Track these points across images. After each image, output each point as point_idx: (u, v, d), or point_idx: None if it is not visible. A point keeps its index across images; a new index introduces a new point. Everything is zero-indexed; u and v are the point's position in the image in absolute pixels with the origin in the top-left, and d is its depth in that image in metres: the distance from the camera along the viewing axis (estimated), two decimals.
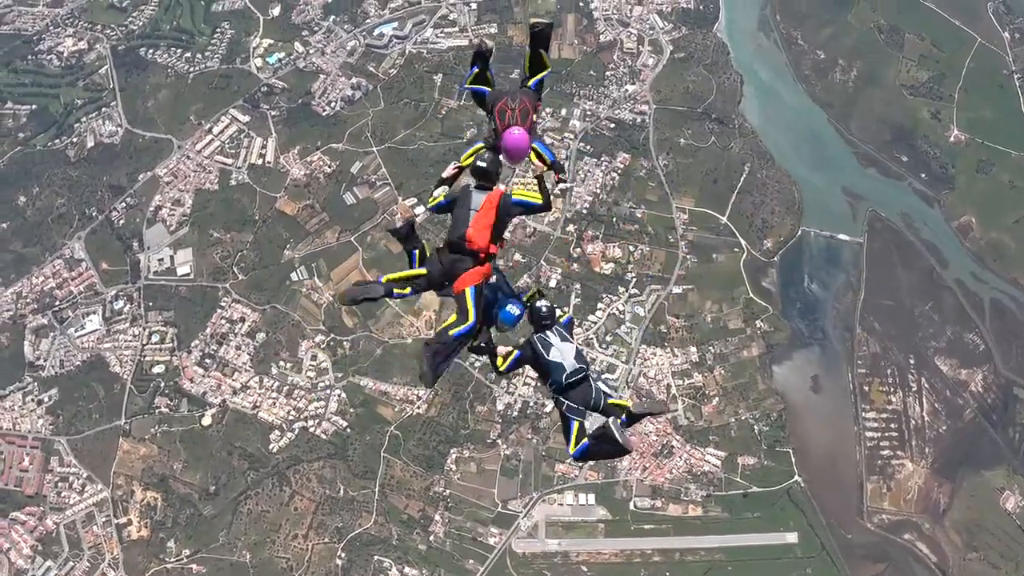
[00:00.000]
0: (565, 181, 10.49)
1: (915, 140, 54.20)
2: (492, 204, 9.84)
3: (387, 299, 10.17)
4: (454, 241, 9.90)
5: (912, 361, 49.29)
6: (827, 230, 51.57)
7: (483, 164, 10.01)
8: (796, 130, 54.19)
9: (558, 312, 10.65)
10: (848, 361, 49.04)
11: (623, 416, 9.92)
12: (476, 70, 11.14)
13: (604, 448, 9.67)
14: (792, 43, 56.56)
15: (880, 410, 48.23)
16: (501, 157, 10.17)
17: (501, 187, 10.09)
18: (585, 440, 9.71)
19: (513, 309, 10.47)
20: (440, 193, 10.37)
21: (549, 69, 11.10)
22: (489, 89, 10.92)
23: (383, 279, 9.84)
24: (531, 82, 10.78)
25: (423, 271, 10.04)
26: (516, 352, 10.43)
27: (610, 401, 10.15)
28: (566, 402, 10.14)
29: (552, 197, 10.41)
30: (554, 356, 10.17)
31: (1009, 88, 55.70)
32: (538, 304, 10.44)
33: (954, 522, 46.62)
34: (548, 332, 10.36)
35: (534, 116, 10.40)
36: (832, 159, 53.72)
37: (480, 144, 10.34)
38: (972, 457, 47.87)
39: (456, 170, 10.51)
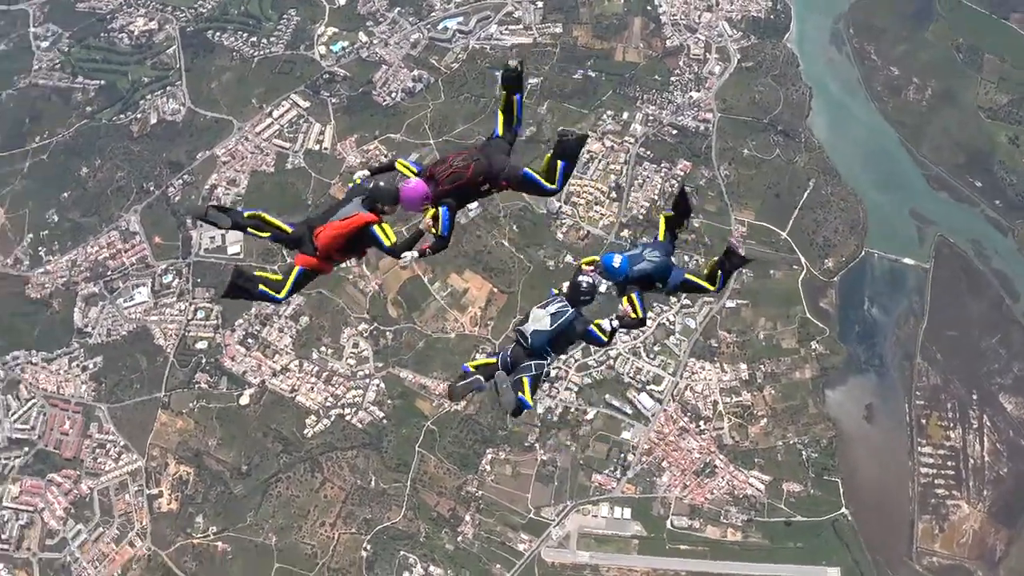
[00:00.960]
0: (425, 255, 9.94)
1: (991, 165, 51.72)
2: (349, 225, 9.56)
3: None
4: (309, 221, 10.01)
5: (975, 396, 46.83)
6: (892, 253, 49.43)
7: (373, 186, 9.75)
8: (865, 148, 52.17)
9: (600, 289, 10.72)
10: (906, 391, 46.80)
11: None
12: (505, 93, 10.56)
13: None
14: (865, 58, 54.67)
15: (937, 446, 45.85)
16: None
17: (380, 217, 9.66)
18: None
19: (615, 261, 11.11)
20: (358, 176, 10.27)
21: (554, 188, 10.40)
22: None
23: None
24: (522, 171, 10.13)
25: (288, 229, 10.08)
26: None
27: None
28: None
29: (410, 254, 9.89)
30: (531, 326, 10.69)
31: None
32: (580, 279, 10.55)
33: (1010, 572, 43.87)
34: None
35: (464, 184, 9.75)
36: (901, 180, 51.57)
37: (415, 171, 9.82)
38: None
39: (388, 164, 10.41)
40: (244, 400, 47.48)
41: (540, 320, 10.59)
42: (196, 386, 47.91)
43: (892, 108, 53.46)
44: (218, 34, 56.25)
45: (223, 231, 9.74)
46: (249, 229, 9.90)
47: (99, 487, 46.54)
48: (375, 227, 9.53)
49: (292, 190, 51.16)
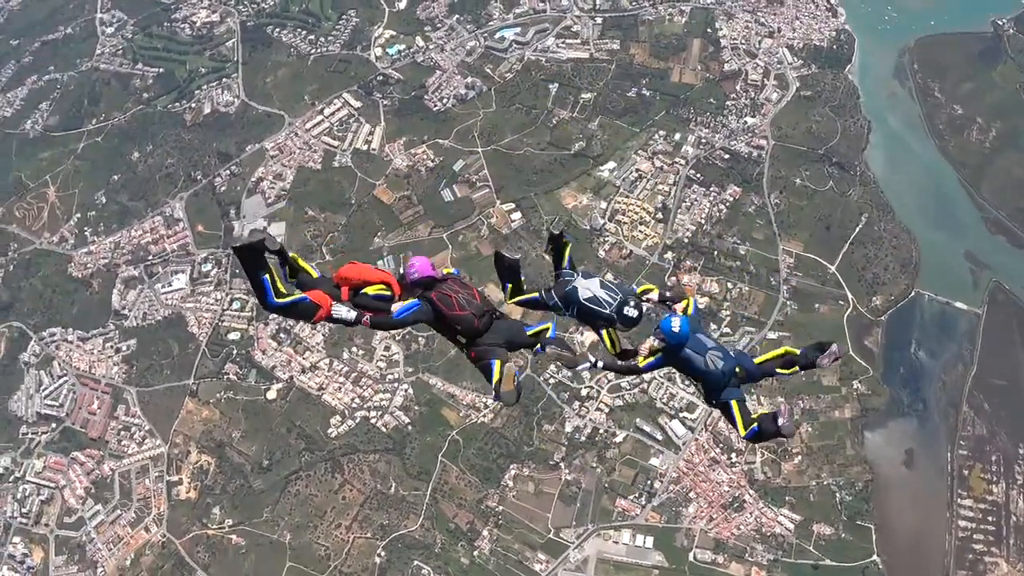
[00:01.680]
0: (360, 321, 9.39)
1: None
2: (378, 275, 9.35)
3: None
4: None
5: (1021, 451, 44.87)
6: (943, 295, 47.80)
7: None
8: (922, 186, 50.80)
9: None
10: (949, 440, 44.98)
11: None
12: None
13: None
14: (928, 95, 53.33)
15: (978, 499, 43.94)
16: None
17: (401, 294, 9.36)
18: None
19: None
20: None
21: (535, 297, 10.20)
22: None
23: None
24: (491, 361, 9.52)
25: (314, 274, 9.61)
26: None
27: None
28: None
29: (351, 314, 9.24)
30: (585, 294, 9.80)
31: None
32: (626, 311, 9.65)
33: None
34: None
35: (454, 311, 9.28)
36: (958, 221, 50.06)
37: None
38: None
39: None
40: (271, 395, 47.36)
41: (591, 285, 9.82)
42: (225, 377, 47.96)
43: (953, 147, 52.03)
44: (277, 30, 56.92)
45: (271, 251, 9.45)
46: (288, 265, 9.39)
47: (121, 469, 46.72)
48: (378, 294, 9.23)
49: (337, 188, 51.24)
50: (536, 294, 10.22)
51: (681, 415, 44.45)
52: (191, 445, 46.99)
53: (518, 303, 10.40)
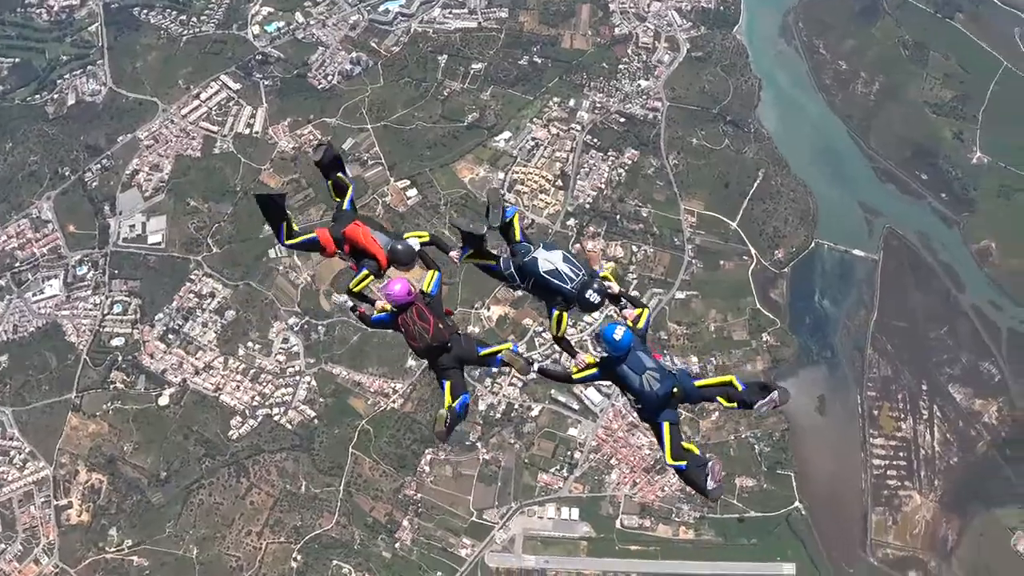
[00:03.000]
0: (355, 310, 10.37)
1: (936, 159, 51.62)
2: (369, 245, 10.12)
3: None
4: (359, 215, 10.79)
5: (924, 387, 46.15)
6: (842, 244, 48.72)
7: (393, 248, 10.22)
8: (814, 140, 51.65)
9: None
10: (857, 383, 45.89)
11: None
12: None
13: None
14: (814, 51, 54.30)
15: (889, 437, 45.00)
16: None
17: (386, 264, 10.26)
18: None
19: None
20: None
21: (491, 265, 10.44)
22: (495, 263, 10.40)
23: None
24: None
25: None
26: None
27: None
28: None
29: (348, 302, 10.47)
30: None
31: None
32: (589, 295, 9.43)
33: (962, 562, 43.12)
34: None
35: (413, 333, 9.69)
36: (850, 172, 51.10)
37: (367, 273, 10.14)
38: (984, 493, 44.44)
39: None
40: (163, 400, 44.34)
41: (551, 256, 9.57)
42: (111, 386, 44.60)
43: (840, 101, 53.13)
44: (145, 11, 53.01)
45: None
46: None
47: (0, 499, 42.68)
48: (367, 267, 10.11)
49: (220, 176, 48.20)
50: (493, 261, 10.04)
51: (596, 383, 43.57)
52: (79, 464, 43.46)
53: (474, 264, 10.32)
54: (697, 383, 9.54)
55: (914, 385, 46.22)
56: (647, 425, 9.59)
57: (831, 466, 44.20)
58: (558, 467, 43.04)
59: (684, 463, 9.12)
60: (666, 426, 9.28)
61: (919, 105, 52.92)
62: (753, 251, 47.62)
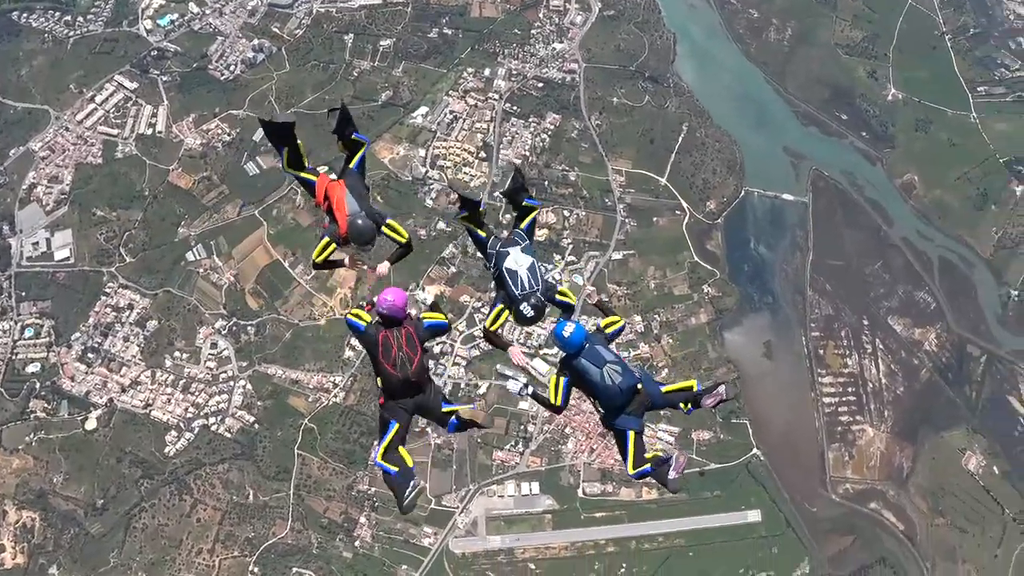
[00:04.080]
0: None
1: (853, 99, 52.28)
2: (337, 202, 9.71)
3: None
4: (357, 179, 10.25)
5: (865, 322, 46.77)
6: (771, 190, 48.89)
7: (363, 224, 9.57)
8: (733, 89, 51.63)
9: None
10: (801, 325, 46.15)
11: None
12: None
13: None
14: (725, 2, 54.13)
15: (836, 374, 45.44)
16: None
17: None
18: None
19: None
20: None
21: (480, 237, 10.42)
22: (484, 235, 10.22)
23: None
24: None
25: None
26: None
27: None
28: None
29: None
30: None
31: (941, 49, 54.39)
32: (522, 308, 9.45)
33: (918, 487, 43.97)
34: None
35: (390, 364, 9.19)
36: (772, 118, 51.30)
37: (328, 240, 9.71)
38: (931, 418, 45.46)
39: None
40: (90, 424, 41.67)
41: (521, 260, 9.63)
42: (31, 416, 41.65)
43: (755, 49, 53.20)
44: (24, 15, 49.16)
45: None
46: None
47: None
48: (329, 232, 9.67)
49: (125, 181, 45.40)
50: (484, 233, 10.07)
51: (541, 352, 42.66)
52: (6, 503, 40.53)
53: (465, 226, 10.29)
54: (663, 389, 9.59)
55: (855, 321, 46.73)
56: (612, 435, 9.54)
57: (784, 409, 44.41)
58: (512, 443, 42.05)
59: (649, 466, 9.22)
60: (631, 435, 9.25)
61: (831, 47, 53.42)
62: (685, 205, 47.31)
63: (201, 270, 43.71)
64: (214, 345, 42.75)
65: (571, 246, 45.15)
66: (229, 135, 46.12)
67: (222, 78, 47.65)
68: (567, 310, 9.91)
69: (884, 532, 42.87)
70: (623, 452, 9.38)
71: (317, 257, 9.65)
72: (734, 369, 44.02)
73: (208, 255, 43.85)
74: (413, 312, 9.40)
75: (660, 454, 9.35)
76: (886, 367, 45.76)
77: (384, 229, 9.59)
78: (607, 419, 9.41)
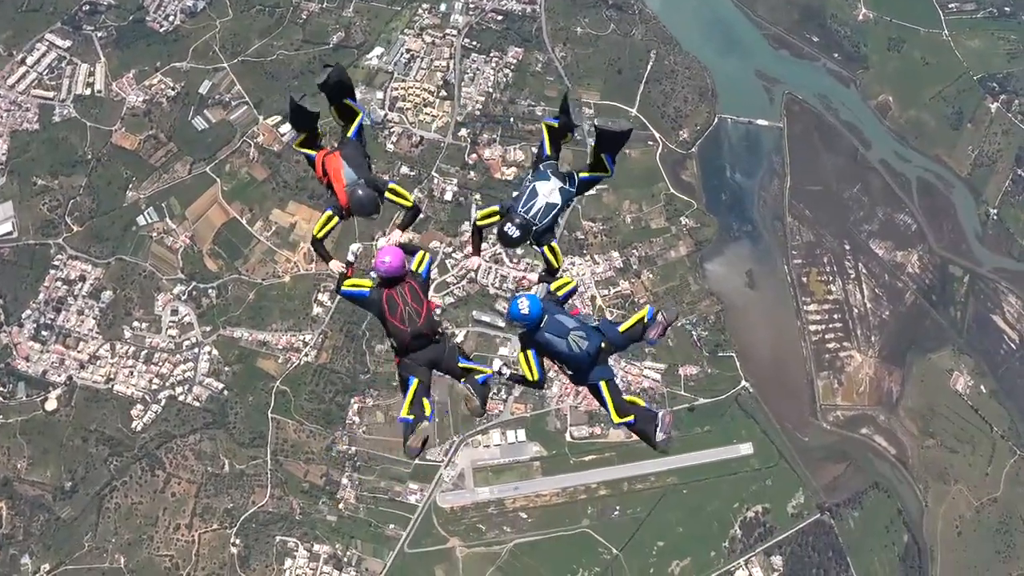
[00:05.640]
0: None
1: (824, 20, 50.76)
2: (334, 172, 9.40)
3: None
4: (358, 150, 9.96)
5: (847, 247, 45.79)
6: (744, 116, 47.39)
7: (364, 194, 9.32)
8: (700, 14, 49.82)
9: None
10: (782, 252, 45.06)
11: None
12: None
13: None
14: None
15: (821, 301, 44.50)
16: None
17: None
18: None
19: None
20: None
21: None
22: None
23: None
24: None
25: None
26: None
27: None
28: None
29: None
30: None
31: None
32: (507, 228, 9.27)
33: (908, 410, 43.44)
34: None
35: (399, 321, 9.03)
36: (741, 42, 49.63)
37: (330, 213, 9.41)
38: (918, 341, 44.85)
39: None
40: (51, 405, 39.86)
41: (551, 194, 9.25)
42: None
43: None
44: None
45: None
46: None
47: None
48: (331, 206, 9.40)
49: (65, 146, 42.92)
50: (550, 152, 9.67)
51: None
52: None
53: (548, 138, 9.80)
54: (620, 328, 9.36)
55: (837, 247, 45.76)
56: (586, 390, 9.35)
57: (770, 339, 43.50)
58: (495, 390, 40.72)
59: (632, 418, 9.06)
60: (603, 385, 9.11)
61: None
62: (657, 135, 45.69)
63: (154, 234, 41.58)
64: (174, 312, 40.79)
65: None
66: (173, 89, 43.65)
67: (161, 30, 45.01)
68: (549, 270, 9.61)
69: (876, 457, 42.38)
70: (602, 403, 9.23)
71: (318, 232, 9.42)
72: (717, 301, 42.92)
73: (160, 218, 41.76)
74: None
75: (640, 402, 9.21)
76: (870, 291, 44.90)
77: (387, 195, 9.33)
78: (577, 379, 9.26)
